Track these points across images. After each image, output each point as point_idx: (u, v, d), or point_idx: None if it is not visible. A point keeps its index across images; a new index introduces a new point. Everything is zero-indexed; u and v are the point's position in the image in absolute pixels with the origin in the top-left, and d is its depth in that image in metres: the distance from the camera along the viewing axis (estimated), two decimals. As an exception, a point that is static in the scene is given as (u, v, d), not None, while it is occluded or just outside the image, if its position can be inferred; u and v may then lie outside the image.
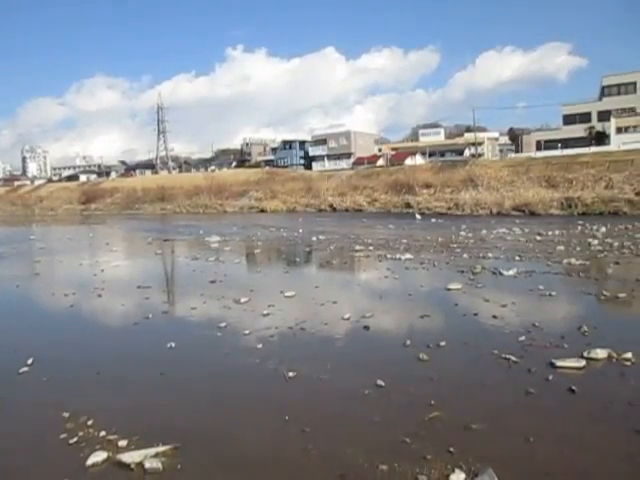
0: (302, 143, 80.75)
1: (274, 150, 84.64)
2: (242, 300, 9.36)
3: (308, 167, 75.05)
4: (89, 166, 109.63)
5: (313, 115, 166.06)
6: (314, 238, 20.94)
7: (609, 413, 4.58)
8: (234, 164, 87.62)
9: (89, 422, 4.61)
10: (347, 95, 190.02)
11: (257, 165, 79.36)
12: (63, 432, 4.46)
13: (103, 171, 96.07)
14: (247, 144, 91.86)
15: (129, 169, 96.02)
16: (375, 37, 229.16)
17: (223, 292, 10.23)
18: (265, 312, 8.46)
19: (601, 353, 5.90)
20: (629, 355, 5.86)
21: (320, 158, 75.81)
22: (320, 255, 16.36)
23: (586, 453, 3.90)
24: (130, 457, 4.00)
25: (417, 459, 3.81)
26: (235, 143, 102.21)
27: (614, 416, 4.51)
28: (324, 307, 8.86)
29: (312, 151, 78.09)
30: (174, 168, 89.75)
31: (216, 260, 15.20)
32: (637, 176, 35.72)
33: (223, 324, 7.79)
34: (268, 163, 79.87)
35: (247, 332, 7.34)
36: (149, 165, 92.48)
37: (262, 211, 49.00)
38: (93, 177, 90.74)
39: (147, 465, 3.92)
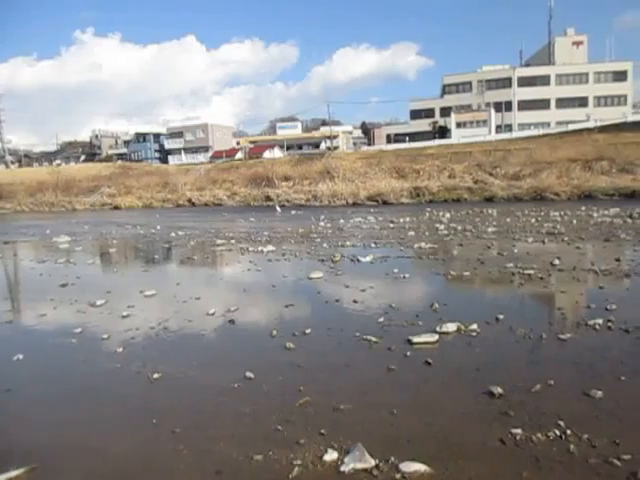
0: (157, 136, 77.61)
1: (127, 143, 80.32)
2: (98, 303, 8.76)
3: (164, 161, 72.39)
4: None
5: (169, 106, 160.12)
6: (173, 234, 20.27)
7: (461, 380, 5.01)
8: (82, 158, 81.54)
9: None
10: (205, 86, 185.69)
11: (109, 159, 74.67)
12: None
13: None
14: (97, 136, 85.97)
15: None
16: (237, 27, 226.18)
17: (76, 295, 9.48)
18: (124, 314, 8.00)
19: (451, 327, 6.44)
20: (475, 326, 6.47)
21: (177, 151, 73.45)
22: (180, 251, 15.87)
23: (443, 417, 4.23)
24: (-26, 485, 3.57)
25: (291, 445, 3.85)
26: (83, 135, 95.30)
27: (465, 382, 4.94)
28: (187, 304, 8.61)
29: (168, 144, 75.43)
30: (12, 162, 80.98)
31: (66, 262, 14.05)
32: (475, 166, 39.53)
33: (78, 330, 7.22)
34: (121, 157, 75.58)
35: (105, 336, 6.88)
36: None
37: (116, 208, 46.31)
38: None
39: (-4, 491, 3.52)
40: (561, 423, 3.96)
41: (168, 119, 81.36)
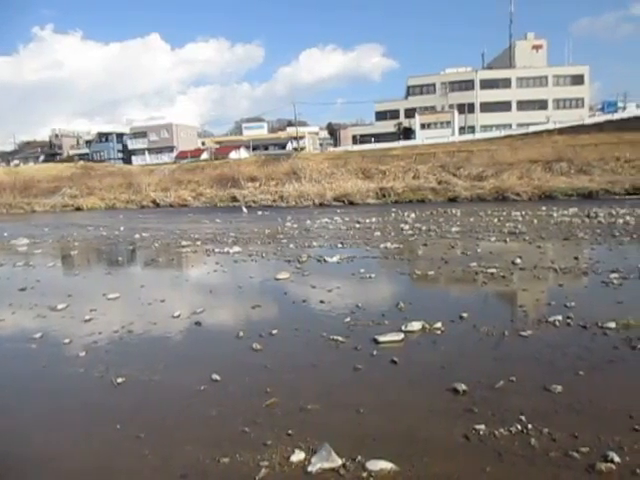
0: (120, 136, 76.17)
1: (89, 143, 78.53)
2: (59, 307, 8.54)
3: (127, 161, 71.06)
4: None
5: (133, 106, 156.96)
6: (137, 235, 19.94)
7: (426, 377, 5.09)
8: (42, 158, 79.29)
9: None
10: (170, 85, 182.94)
11: (70, 159, 72.85)
12: None
13: None
14: (57, 136, 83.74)
15: None
16: (202, 27, 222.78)
17: (36, 300, 9.22)
18: (87, 317, 7.82)
19: (416, 325, 6.52)
20: (439, 325, 6.57)
21: (140, 152, 72.23)
22: (145, 253, 15.62)
23: (409, 415, 4.28)
24: None
25: (258, 446, 3.84)
26: (43, 135, 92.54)
27: (430, 379, 5.03)
28: (152, 306, 8.48)
29: (131, 144, 74.12)
30: (-34, 163, 78.36)
31: (25, 265, 13.66)
32: (439, 167, 40.12)
33: (38, 335, 7.02)
34: (82, 157, 73.83)
35: (67, 341, 6.72)
36: None
37: (78, 209, 45.29)
38: None
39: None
40: (523, 418, 4.05)
41: (132, 119, 79.77)
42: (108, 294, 9.31)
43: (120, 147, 75.46)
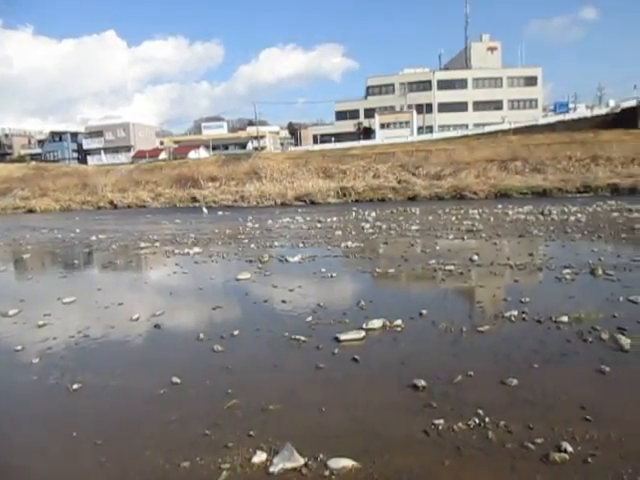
0: (75, 135, 74.05)
1: (42, 142, 76.07)
2: (10, 312, 8.24)
3: (83, 161, 69.18)
4: None
5: (88, 104, 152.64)
6: (94, 238, 19.46)
7: (386, 374, 5.14)
8: (-10, 159, 76.30)
9: None
10: (127, 84, 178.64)
11: (21, 159, 70.45)
12: None
13: None
14: (7, 135, 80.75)
15: None
16: (160, 24, 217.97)
17: (-15, 305, 8.88)
18: (40, 323, 7.57)
19: (377, 323, 6.59)
20: (399, 322, 6.66)
21: (96, 151, 70.45)
22: (102, 255, 15.26)
23: (370, 412, 4.32)
24: None
25: (219, 449, 3.81)
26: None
27: (390, 376, 5.08)
28: (109, 310, 8.29)
29: (87, 144, 72.21)
30: None
31: (-26, 269, 13.14)
32: (398, 166, 40.59)
33: (-13, 342, 6.77)
34: (35, 157, 71.47)
35: (19, 348, 6.49)
36: None
37: (30, 211, 43.87)
38: None
39: None
40: (480, 412, 4.15)
41: (87, 118, 77.93)
42: (63, 298, 9.04)
43: (75, 147, 73.40)
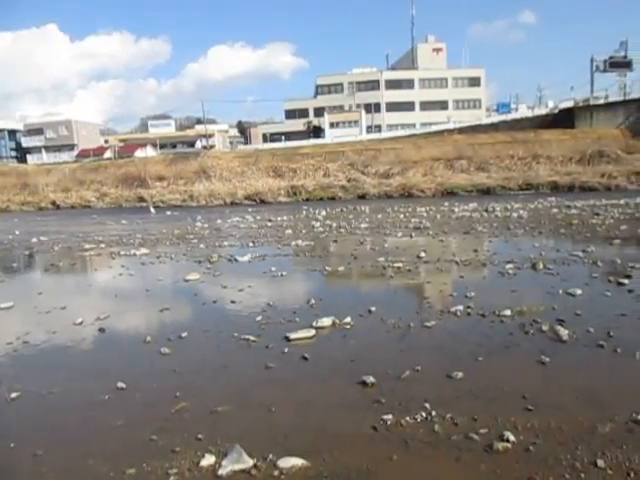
0: (13, 132, 70.87)
1: (-25, 141, 72.41)
2: (-58, 319, 7.83)
3: (22, 160, 66.30)
4: None
5: (27, 101, 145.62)
6: (35, 239, 18.70)
7: (336, 372, 5.17)
8: None
9: None
10: (69, 80, 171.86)
11: (-47, 159, 66.86)
12: None
13: None
14: (-64, 134, 76.41)
15: None
16: (104, 18, 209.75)
17: None
18: (-25, 329, 7.23)
19: (327, 321, 6.62)
20: (348, 319, 6.71)
21: (36, 150, 67.66)
22: (43, 258, 14.68)
23: (320, 410, 4.34)
24: None
25: (166, 454, 3.73)
26: None
27: (340, 374, 5.11)
28: (51, 314, 7.98)
29: (26, 142, 69.29)
30: None
31: None
32: (348, 165, 40.91)
33: None
34: (-32, 156, 67.95)
35: (-49, 356, 6.17)
36: None
37: (-36, 213, 41.63)
38: None
39: None
40: (427, 405, 4.23)
41: (26, 115, 74.63)
42: (0, 304, 8.65)
43: (13, 145, 70.36)
